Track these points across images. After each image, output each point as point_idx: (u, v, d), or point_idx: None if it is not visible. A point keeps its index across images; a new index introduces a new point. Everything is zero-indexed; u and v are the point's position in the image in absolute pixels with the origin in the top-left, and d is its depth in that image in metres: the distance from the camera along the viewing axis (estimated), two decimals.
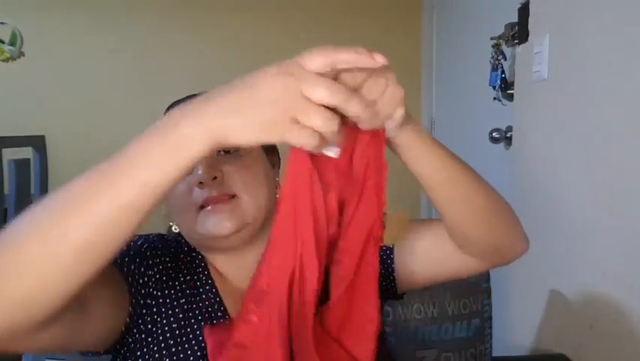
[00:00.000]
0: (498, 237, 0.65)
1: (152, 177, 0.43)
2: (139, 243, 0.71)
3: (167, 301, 0.67)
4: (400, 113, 0.51)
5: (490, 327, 1.04)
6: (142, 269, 0.68)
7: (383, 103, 0.49)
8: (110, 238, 0.44)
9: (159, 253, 0.70)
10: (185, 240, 0.75)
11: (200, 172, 0.65)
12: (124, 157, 0.45)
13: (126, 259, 0.67)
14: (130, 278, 0.66)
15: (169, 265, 0.70)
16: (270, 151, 0.76)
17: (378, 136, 0.52)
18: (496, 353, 1.09)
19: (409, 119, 0.53)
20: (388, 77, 0.50)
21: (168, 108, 0.74)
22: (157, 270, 0.69)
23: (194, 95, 0.74)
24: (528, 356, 1.32)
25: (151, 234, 0.73)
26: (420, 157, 0.57)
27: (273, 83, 0.43)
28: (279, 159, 0.78)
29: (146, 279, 0.67)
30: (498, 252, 0.68)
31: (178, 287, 0.69)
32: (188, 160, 0.43)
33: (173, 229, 0.75)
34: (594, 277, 1.05)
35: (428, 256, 0.70)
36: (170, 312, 0.67)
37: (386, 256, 0.74)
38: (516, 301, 1.40)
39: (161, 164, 0.43)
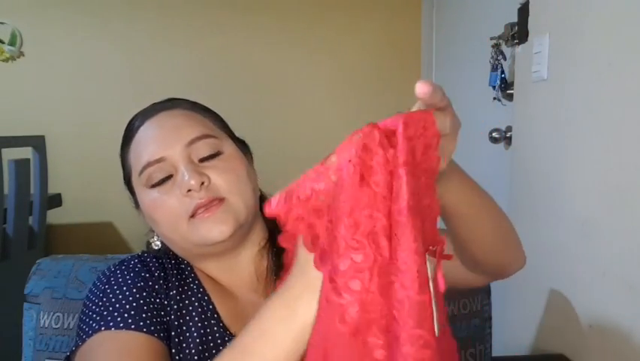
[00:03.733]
0: (503, 258, 0.67)
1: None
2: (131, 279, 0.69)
3: (167, 319, 0.68)
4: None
5: (490, 327, 1.04)
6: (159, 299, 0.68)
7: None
8: None
9: (152, 279, 0.70)
10: (168, 253, 0.74)
11: (186, 179, 0.64)
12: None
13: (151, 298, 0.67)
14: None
15: (161, 281, 0.70)
16: (245, 150, 0.76)
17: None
18: (496, 353, 1.09)
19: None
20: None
21: (132, 121, 0.74)
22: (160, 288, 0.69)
23: (156, 103, 0.75)
24: (528, 356, 1.32)
25: (131, 261, 0.72)
26: (453, 185, 0.56)
27: None
28: (252, 156, 0.78)
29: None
30: (499, 271, 0.69)
31: (173, 301, 0.69)
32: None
33: (153, 245, 0.74)
34: (594, 277, 1.05)
35: None
36: (172, 323, 0.67)
37: None
38: (516, 301, 1.40)
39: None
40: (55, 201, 2.30)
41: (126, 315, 0.62)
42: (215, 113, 0.76)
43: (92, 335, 0.62)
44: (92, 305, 0.66)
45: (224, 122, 0.76)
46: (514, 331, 1.41)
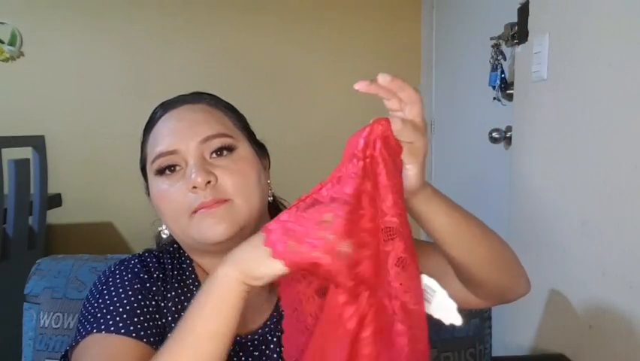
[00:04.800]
0: (502, 282, 0.67)
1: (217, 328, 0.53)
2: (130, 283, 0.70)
3: (163, 321, 0.68)
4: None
5: (490, 327, 1.04)
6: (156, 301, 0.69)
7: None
8: None
9: (150, 280, 0.70)
10: (169, 250, 0.75)
11: (193, 176, 0.65)
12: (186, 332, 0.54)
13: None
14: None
15: (159, 283, 0.70)
16: (262, 153, 0.76)
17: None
18: (495, 353, 1.09)
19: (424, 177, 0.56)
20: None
21: (156, 110, 0.75)
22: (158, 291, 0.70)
23: (182, 95, 0.75)
24: (527, 356, 1.32)
25: (131, 261, 0.72)
26: (438, 209, 0.58)
27: None
28: (270, 161, 0.78)
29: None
30: (500, 295, 0.70)
31: (171, 303, 0.69)
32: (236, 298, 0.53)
33: (162, 234, 0.75)
34: (594, 277, 1.05)
35: None
36: (168, 324, 0.68)
37: None
38: (516, 301, 1.40)
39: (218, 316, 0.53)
40: (55, 201, 2.30)
41: (118, 318, 0.64)
42: (237, 112, 0.76)
43: (85, 336, 0.63)
44: (89, 306, 0.67)
45: (246, 123, 0.76)
46: (514, 331, 1.41)
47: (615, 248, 0.99)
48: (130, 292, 0.66)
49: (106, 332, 0.62)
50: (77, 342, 0.64)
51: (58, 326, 0.93)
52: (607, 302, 1.01)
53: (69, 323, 0.93)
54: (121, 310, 0.64)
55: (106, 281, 0.69)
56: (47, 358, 0.93)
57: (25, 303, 0.96)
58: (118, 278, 0.68)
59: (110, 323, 0.63)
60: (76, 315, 0.93)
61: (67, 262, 0.99)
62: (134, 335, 0.62)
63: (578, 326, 1.10)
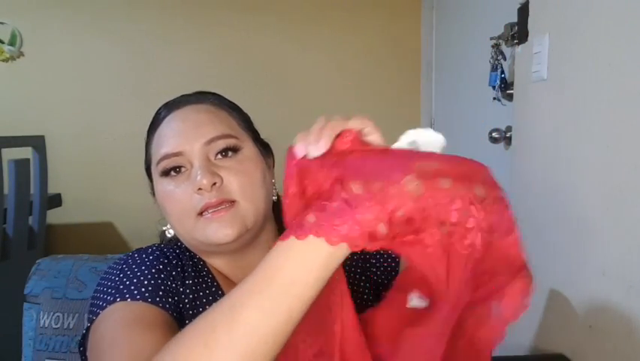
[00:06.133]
0: None
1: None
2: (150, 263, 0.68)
3: (181, 306, 0.67)
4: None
5: None
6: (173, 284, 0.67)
7: None
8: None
9: (170, 265, 0.69)
10: (180, 244, 0.74)
11: (199, 178, 0.65)
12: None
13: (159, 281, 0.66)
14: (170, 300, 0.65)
15: (178, 269, 0.70)
16: (266, 153, 0.76)
17: None
18: (495, 353, 1.09)
19: None
20: None
21: (159, 110, 0.74)
22: (174, 280, 0.69)
23: (186, 95, 0.75)
24: (527, 356, 1.32)
25: (148, 249, 0.71)
26: None
27: None
28: (274, 160, 0.78)
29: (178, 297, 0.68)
30: None
31: (188, 291, 0.69)
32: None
33: (166, 233, 0.75)
34: (594, 277, 1.05)
35: None
36: (186, 311, 0.67)
37: (394, 266, 0.75)
38: None
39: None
40: (55, 201, 2.30)
41: (143, 289, 0.62)
42: (242, 111, 0.76)
43: (105, 307, 0.61)
44: (108, 282, 0.65)
45: (250, 122, 0.76)
46: (514, 331, 1.41)
47: (615, 248, 0.99)
48: (153, 270, 0.66)
49: (131, 300, 0.60)
50: (97, 316, 0.61)
51: (58, 326, 0.94)
52: (607, 302, 1.01)
53: (69, 323, 0.94)
54: (145, 282, 0.63)
55: (125, 262, 0.68)
56: (47, 358, 0.93)
57: (25, 303, 0.96)
58: (138, 259, 0.68)
59: (135, 291, 0.61)
60: (77, 315, 0.93)
61: (67, 262, 0.99)
62: (160, 305, 0.61)
63: (578, 326, 1.10)
